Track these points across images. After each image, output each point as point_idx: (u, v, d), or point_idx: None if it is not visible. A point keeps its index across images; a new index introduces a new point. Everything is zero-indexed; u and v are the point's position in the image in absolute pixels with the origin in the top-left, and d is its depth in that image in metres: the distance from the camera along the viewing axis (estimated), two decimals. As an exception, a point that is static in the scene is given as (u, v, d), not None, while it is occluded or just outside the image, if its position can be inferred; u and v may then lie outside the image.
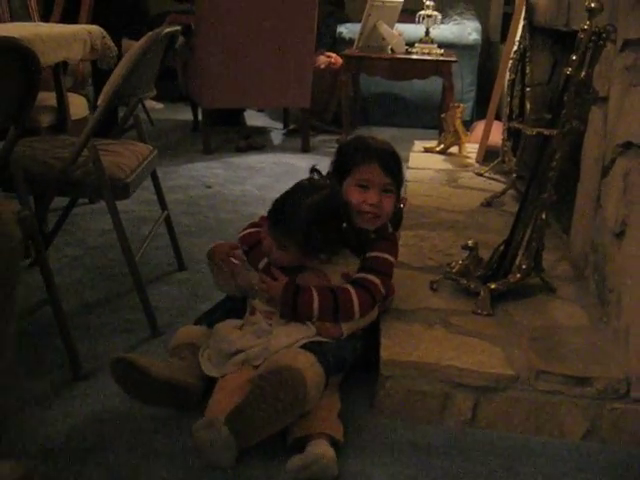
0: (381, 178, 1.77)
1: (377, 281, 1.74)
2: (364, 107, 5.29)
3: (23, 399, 1.72)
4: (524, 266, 1.96)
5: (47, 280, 1.78)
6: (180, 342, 1.78)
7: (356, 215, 1.77)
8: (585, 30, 1.81)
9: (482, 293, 1.92)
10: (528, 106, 2.92)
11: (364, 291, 1.71)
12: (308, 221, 1.65)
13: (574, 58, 1.83)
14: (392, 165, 1.79)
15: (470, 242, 2.03)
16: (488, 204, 2.87)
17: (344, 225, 1.70)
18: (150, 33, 1.95)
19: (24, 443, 1.56)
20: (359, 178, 1.77)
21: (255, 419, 1.46)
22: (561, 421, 1.65)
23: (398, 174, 1.82)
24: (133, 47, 1.92)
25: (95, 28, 2.54)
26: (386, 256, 1.79)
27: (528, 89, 2.96)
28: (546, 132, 1.90)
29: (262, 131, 5.09)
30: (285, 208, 1.70)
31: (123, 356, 1.65)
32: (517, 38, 3.22)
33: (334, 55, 4.99)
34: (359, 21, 4.72)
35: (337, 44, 5.28)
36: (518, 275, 1.96)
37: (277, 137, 4.97)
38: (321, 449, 1.48)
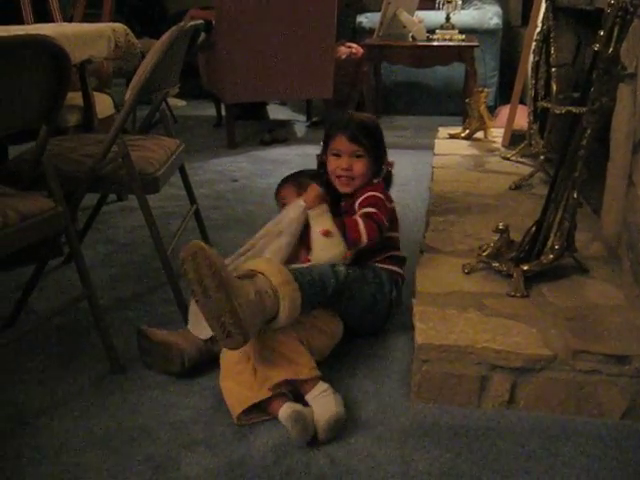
0: (349, 146, 2.00)
1: (374, 210, 1.94)
2: (387, 96, 5.28)
3: (63, 393, 1.75)
4: (557, 246, 1.94)
5: (82, 275, 1.81)
6: None
7: (335, 180, 2.04)
8: (612, 5, 1.78)
9: (515, 275, 1.91)
10: (554, 87, 2.89)
11: (367, 218, 1.92)
12: None
13: (602, 34, 1.80)
14: (358, 134, 2.00)
15: (501, 225, 2.02)
16: (517, 187, 2.85)
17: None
18: (174, 27, 1.96)
19: (65, 436, 1.58)
20: (332, 148, 2.04)
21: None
22: (600, 400, 1.64)
23: (368, 141, 2.01)
24: (158, 41, 1.93)
25: (119, 26, 2.56)
26: (372, 193, 1.99)
27: (553, 69, 2.93)
28: (575, 110, 1.88)
29: (285, 124, 5.09)
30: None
31: (140, 328, 1.88)
32: (540, 19, 3.18)
33: (355, 45, 4.98)
34: (378, 10, 4.70)
35: (357, 34, 5.27)
36: (551, 256, 1.94)
37: (300, 129, 4.97)
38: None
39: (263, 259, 1.79)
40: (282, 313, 1.64)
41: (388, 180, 2.11)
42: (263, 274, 1.67)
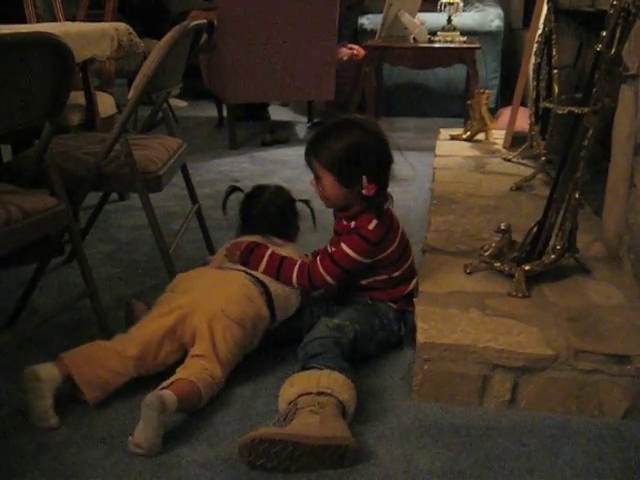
0: (311, 166, 1.85)
1: (319, 265, 1.85)
2: (388, 97, 5.28)
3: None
4: (558, 247, 1.94)
5: (85, 272, 1.81)
6: None
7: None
8: (614, 6, 1.78)
9: (517, 275, 1.91)
10: (556, 89, 2.89)
11: (304, 267, 1.86)
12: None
13: (604, 35, 1.81)
14: (310, 151, 1.83)
15: (503, 225, 2.03)
16: (518, 188, 2.86)
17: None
18: (177, 26, 1.97)
19: (67, 433, 1.58)
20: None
21: None
22: (601, 400, 1.64)
23: (325, 159, 1.79)
24: (161, 40, 1.93)
25: (122, 25, 2.56)
26: (345, 249, 1.83)
27: (555, 71, 2.93)
28: (577, 110, 1.89)
29: (286, 125, 5.10)
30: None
31: (128, 301, 1.93)
32: (541, 21, 3.19)
33: (356, 47, 4.99)
34: (379, 12, 4.71)
35: (359, 35, 5.28)
36: (552, 256, 1.95)
37: (302, 130, 4.98)
38: None
39: (309, 376, 1.60)
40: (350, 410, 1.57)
41: (377, 205, 1.84)
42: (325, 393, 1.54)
